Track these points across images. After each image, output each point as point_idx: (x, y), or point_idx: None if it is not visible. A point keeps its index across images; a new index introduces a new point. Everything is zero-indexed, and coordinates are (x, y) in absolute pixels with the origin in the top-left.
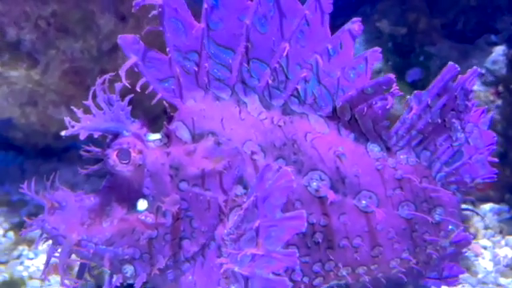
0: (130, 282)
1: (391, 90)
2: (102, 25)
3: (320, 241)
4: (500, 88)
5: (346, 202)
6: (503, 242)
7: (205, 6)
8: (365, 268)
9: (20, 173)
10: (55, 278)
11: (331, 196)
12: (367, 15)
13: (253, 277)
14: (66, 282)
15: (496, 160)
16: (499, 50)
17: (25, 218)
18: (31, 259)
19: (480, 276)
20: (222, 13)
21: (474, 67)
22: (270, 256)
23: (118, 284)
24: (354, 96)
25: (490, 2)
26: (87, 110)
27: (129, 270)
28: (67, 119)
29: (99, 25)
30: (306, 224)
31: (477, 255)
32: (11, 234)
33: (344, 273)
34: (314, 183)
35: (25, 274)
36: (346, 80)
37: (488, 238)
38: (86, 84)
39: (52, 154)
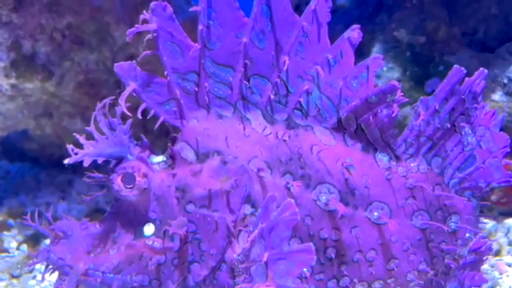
0: None
1: (395, 97)
2: (117, 36)
3: (333, 256)
4: None
5: (358, 215)
6: None
7: (200, 26)
8: (381, 282)
9: (35, 184)
10: None
11: (341, 209)
12: (384, 24)
13: None
14: None
15: (511, 162)
16: None
17: (31, 252)
18: (44, 273)
19: None
20: (218, 32)
21: (481, 68)
22: None
23: None
24: (359, 105)
25: (511, 9)
26: (90, 136)
27: None
28: (70, 147)
29: (114, 36)
30: (315, 258)
31: (501, 273)
32: (25, 247)
33: None
34: (323, 197)
35: None
36: (349, 89)
37: None
38: (101, 95)
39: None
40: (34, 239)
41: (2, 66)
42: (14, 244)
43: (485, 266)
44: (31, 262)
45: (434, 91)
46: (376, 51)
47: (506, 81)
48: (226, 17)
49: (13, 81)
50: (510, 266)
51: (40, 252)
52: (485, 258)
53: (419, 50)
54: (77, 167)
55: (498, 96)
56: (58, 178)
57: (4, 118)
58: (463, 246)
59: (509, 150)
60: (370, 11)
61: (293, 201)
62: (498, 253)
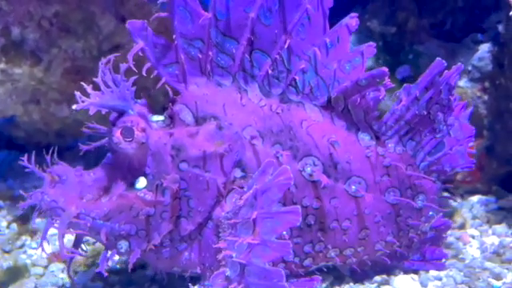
0: (124, 257)
1: (384, 82)
2: (103, 26)
3: (312, 223)
4: (486, 84)
5: (338, 187)
6: (490, 231)
7: None
8: (352, 250)
9: (22, 170)
10: (57, 266)
11: (324, 180)
12: (358, 16)
13: (249, 265)
14: (66, 253)
15: (474, 151)
16: (485, 48)
17: (21, 192)
18: (34, 249)
19: (467, 262)
20: (229, 4)
21: (459, 64)
22: (265, 245)
23: (113, 259)
24: (349, 87)
25: (477, 2)
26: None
27: (123, 245)
28: (77, 94)
29: (100, 26)
30: (300, 219)
31: (465, 243)
32: (14, 225)
33: (333, 254)
34: (308, 168)
35: (28, 261)
36: (342, 72)
37: (476, 228)
38: (87, 83)
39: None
40: (23, 219)
41: None
42: (4, 223)
43: (450, 238)
44: (24, 203)
45: (404, 77)
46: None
47: (470, 68)
48: None
49: (2, 65)
50: (473, 237)
51: (33, 193)
52: (444, 235)
53: (390, 39)
54: (64, 155)
55: (463, 82)
56: (44, 165)
57: None
58: (426, 223)
59: (473, 139)
60: (345, 3)
61: (289, 167)
62: (462, 226)
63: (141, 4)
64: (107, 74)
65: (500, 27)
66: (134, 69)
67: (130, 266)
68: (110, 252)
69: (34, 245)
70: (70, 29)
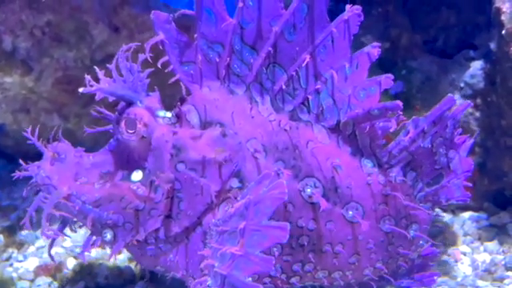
0: (108, 247)
1: (396, 114)
2: (96, 35)
3: (305, 244)
4: (478, 101)
5: (335, 211)
6: (482, 248)
7: (240, 4)
8: (340, 273)
9: (10, 179)
10: (44, 279)
11: (323, 204)
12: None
13: (230, 277)
14: (48, 232)
15: (471, 185)
16: (477, 65)
17: (21, 161)
18: (20, 261)
19: (459, 280)
20: (255, 14)
21: (468, 101)
22: (248, 258)
23: (96, 246)
24: (360, 115)
25: (468, 20)
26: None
27: (109, 234)
28: (87, 77)
29: (93, 35)
30: (287, 236)
31: (457, 261)
32: (1, 237)
33: (321, 275)
34: (308, 189)
35: (14, 274)
36: (356, 98)
37: (467, 245)
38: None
39: None
40: (10, 230)
41: None
42: None
43: (442, 255)
44: (20, 173)
45: (397, 93)
46: None
47: (462, 85)
48: (267, 2)
49: None
50: (464, 254)
51: (30, 166)
52: (431, 263)
53: (384, 55)
54: None
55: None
56: None
57: None
58: (415, 252)
59: (471, 174)
60: None
61: (285, 182)
62: (454, 243)
63: (134, 14)
64: (124, 61)
65: (492, 45)
66: (150, 60)
67: (112, 257)
68: (94, 237)
69: (21, 257)
70: (62, 38)
